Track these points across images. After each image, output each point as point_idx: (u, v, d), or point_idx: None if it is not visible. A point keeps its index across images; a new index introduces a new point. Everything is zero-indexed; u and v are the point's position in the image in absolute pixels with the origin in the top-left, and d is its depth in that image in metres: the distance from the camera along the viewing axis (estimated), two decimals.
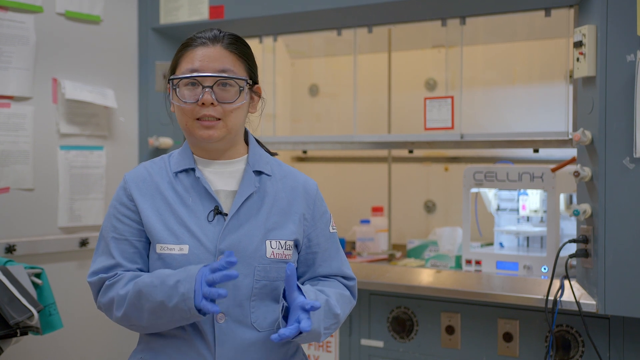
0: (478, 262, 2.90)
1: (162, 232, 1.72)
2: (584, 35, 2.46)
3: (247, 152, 1.84)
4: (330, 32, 3.26)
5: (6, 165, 2.92)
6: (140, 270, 1.76)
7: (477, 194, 3.04)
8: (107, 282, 1.73)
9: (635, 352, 2.50)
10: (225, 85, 1.73)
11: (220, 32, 1.78)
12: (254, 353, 1.72)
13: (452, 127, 2.99)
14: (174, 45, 3.43)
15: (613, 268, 2.42)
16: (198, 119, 1.72)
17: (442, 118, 3.00)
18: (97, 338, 3.22)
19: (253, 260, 1.72)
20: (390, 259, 3.26)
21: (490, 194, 3.02)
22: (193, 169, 1.78)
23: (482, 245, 3.07)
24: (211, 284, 1.59)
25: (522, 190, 2.93)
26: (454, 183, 3.65)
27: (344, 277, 1.88)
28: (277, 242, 1.75)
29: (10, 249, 2.89)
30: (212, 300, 1.60)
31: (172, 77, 1.76)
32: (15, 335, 2.46)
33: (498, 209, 3.04)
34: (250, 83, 1.78)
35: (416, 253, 3.27)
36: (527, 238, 3.01)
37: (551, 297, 2.55)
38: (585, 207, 2.49)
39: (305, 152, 3.97)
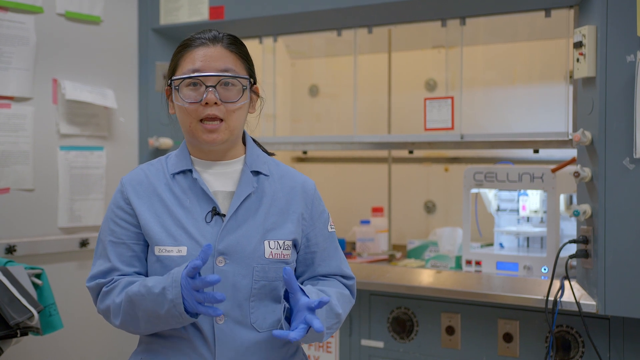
0: (478, 263, 2.90)
1: (160, 234, 1.72)
2: (584, 35, 2.46)
3: (245, 153, 1.84)
4: (331, 33, 3.26)
5: (6, 165, 2.92)
6: (138, 273, 1.76)
7: (477, 194, 3.04)
8: (104, 289, 1.74)
9: (635, 353, 2.50)
10: (227, 84, 1.73)
11: (219, 33, 1.78)
12: (254, 353, 1.72)
13: (452, 128, 2.99)
14: (174, 46, 3.39)
15: (613, 268, 2.42)
16: (201, 121, 1.72)
17: (442, 118, 3.00)
18: (97, 338, 3.22)
19: (251, 261, 1.72)
20: (391, 259, 3.26)
21: (490, 195, 3.02)
22: (190, 171, 1.78)
23: (482, 246, 3.07)
24: (198, 289, 1.58)
25: (522, 191, 2.93)
26: (454, 183, 3.65)
27: (343, 277, 1.88)
28: (276, 242, 1.75)
29: (10, 250, 2.89)
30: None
31: (174, 77, 1.75)
32: (15, 335, 2.46)
33: (498, 209, 3.04)
34: (252, 82, 1.79)
35: (416, 253, 3.27)
36: (527, 238, 3.01)
37: (551, 298, 2.55)
38: (585, 207, 2.48)
39: (305, 152, 3.97)
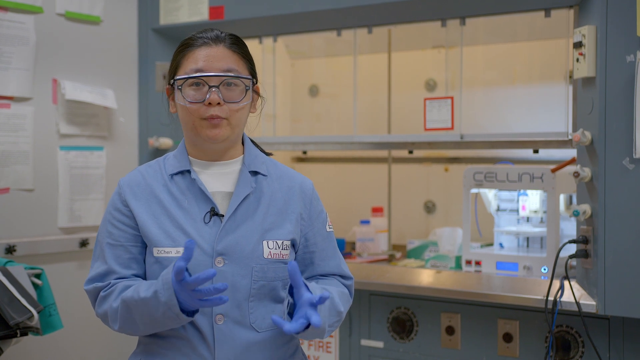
0: (478, 263, 2.90)
1: (159, 235, 1.72)
2: (583, 35, 2.46)
3: (243, 153, 1.84)
4: (330, 33, 3.26)
5: (6, 165, 2.92)
6: (136, 275, 1.76)
7: (477, 194, 3.04)
8: (101, 294, 1.74)
9: (635, 353, 2.50)
10: (230, 85, 1.73)
11: (221, 32, 1.78)
12: (253, 354, 1.72)
13: (452, 128, 2.99)
14: (174, 46, 3.39)
15: (613, 268, 2.42)
16: (205, 119, 1.72)
17: (442, 118, 3.00)
18: (97, 338, 3.22)
19: (250, 261, 1.72)
20: (390, 259, 3.26)
21: (490, 195, 3.02)
22: (189, 171, 1.78)
23: (482, 246, 3.07)
24: (194, 288, 1.57)
25: (522, 191, 2.93)
26: (454, 183, 3.65)
27: (342, 276, 1.88)
28: (274, 243, 1.75)
29: (10, 250, 2.89)
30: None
31: (177, 77, 1.75)
32: (15, 335, 2.46)
33: (498, 209, 3.04)
34: (255, 82, 1.79)
35: (416, 253, 3.27)
36: (527, 238, 3.01)
37: (551, 298, 2.55)
38: (585, 207, 2.49)
39: (305, 152, 3.97)
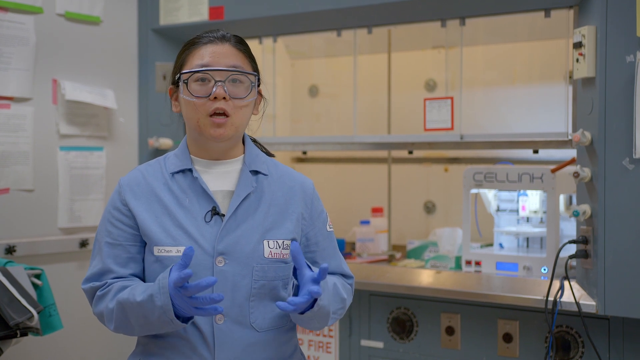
0: (478, 263, 2.90)
1: (159, 234, 1.72)
2: (583, 36, 2.46)
3: (244, 152, 1.84)
4: (330, 33, 3.26)
5: (6, 166, 2.92)
6: (133, 275, 1.76)
7: (476, 194, 3.04)
8: (97, 293, 1.74)
9: (635, 353, 2.50)
10: (236, 81, 1.73)
11: (226, 32, 1.79)
12: (253, 353, 1.73)
13: (452, 128, 2.99)
14: (174, 46, 3.43)
15: (613, 269, 2.42)
16: (210, 116, 1.72)
17: (442, 119, 3.00)
18: (97, 339, 3.22)
19: (251, 261, 1.72)
20: (390, 259, 3.26)
21: (490, 195, 3.02)
22: (190, 170, 1.78)
23: (482, 246, 3.07)
24: (192, 296, 1.58)
25: (521, 191, 2.93)
26: (454, 184, 3.65)
27: (343, 276, 1.89)
28: (275, 242, 1.75)
29: (10, 250, 2.89)
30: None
31: (183, 71, 1.75)
32: (15, 336, 2.46)
33: (498, 209, 3.04)
34: (259, 81, 1.79)
35: (416, 254, 3.27)
36: (527, 239, 3.01)
37: (551, 298, 2.55)
38: (585, 207, 2.49)
39: (305, 152, 3.97)
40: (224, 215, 1.73)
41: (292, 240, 1.79)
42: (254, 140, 1.93)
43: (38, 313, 2.51)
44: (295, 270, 1.70)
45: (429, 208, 3.81)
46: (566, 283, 2.55)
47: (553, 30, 3.04)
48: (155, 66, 3.41)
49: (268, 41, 3.39)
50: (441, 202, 3.77)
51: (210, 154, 1.79)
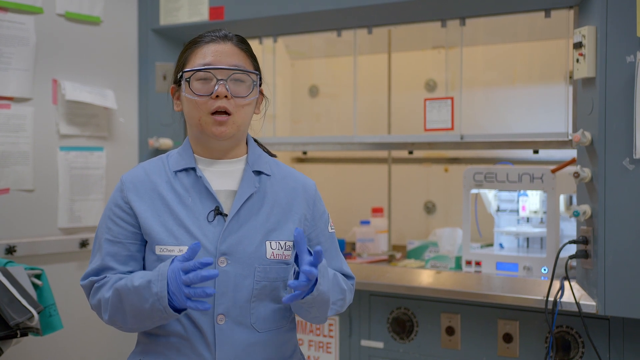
0: (478, 263, 2.90)
1: (161, 233, 1.72)
2: (583, 36, 2.46)
3: (247, 152, 1.84)
4: (330, 33, 3.26)
5: (6, 166, 2.92)
6: (132, 272, 1.76)
7: (477, 194, 3.04)
8: (95, 285, 1.74)
9: (635, 353, 2.50)
10: (237, 79, 1.74)
11: (228, 32, 1.79)
12: (253, 354, 1.73)
13: (452, 128, 2.99)
14: (174, 46, 3.43)
15: (613, 269, 2.42)
16: (212, 114, 1.72)
17: (442, 119, 3.00)
18: (97, 339, 3.22)
19: (253, 261, 1.72)
20: (390, 259, 3.26)
21: (490, 195, 3.02)
22: (193, 169, 1.78)
23: (482, 246, 3.07)
24: (190, 284, 1.58)
25: (522, 191, 2.93)
26: (454, 184, 3.65)
27: (345, 276, 1.89)
28: (277, 243, 1.75)
29: (10, 250, 2.89)
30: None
31: (186, 70, 1.75)
32: (15, 336, 2.46)
33: (498, 209, 3.04)
34: (261, 80, 1.80)
35: (416, 254, 3.27)
36: (527, 239, 3.01)
37: (551, 298, 2.55)
38: (585, 208, 2.49)
39: (305, 153, 3.97)
40: (226, 215, 1.73)
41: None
42: (255, 141, 1.93)
43: (38, 313, 2.51)
44: (297, 257, 1.70)
45: (429, 208, 3.81)
46: (566, 283, 2.55)
47: (553, 31, 3.04)
48: (155, 66, 3.41)
49: (268, 41, 3.39)
50: (441, 202, 3.77)
51: (212, 152, 1.79)
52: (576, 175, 2.48)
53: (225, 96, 1.71)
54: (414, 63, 3.82)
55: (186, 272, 1.57)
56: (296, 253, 1.68)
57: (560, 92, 2.98)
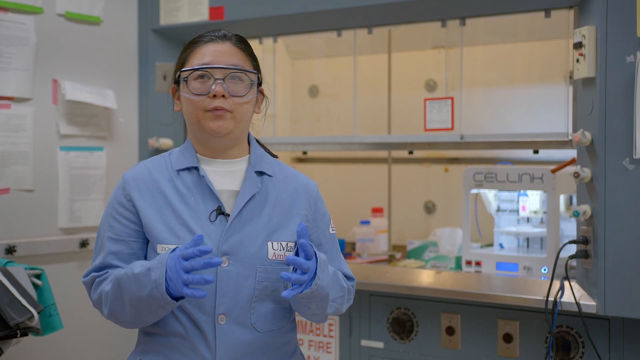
0: (478, 263, 2.90)
1: (163, 232, 1.72)
2: (583, 36, 2.46)
3: (249, 153, 1.84)
4: (330, 33, 3.26)
5: (6, 166, 2.92)
6: None
7: (477, 194, 3.04)
8: (97, 279, 1.74)
9: (635, 353, 2.50)
10: (236, 79, 1.74)
11: (227, 32, 1.80)
12: (254, 354, 1.73)
13: (452, 128, 2.99)
14: (174, 46, 3.43)
15: (613, 269, 2.42)
16: (209, 110, 1.72)
17: (442, 119, 3.00)
18: (97, 339, 3.22)
19: (255, 262, 1.72)
20: (390, 259, 3.26)
21: (490, 195, 3.02)
22: (196, 168, 1.78)
23: (482, 246, 3.07)
24: (189, 271, 1.58)
25: (522, 191, 2.93)
26: (454, 184, 3.65)
27: (345, 277, 1.88)
28: (279, 244, 1.75)
29: (10, 250, 2.89)
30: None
31: (183, 69, 1.75)
32: (15, 336, 2.46)
33: (498, 210, 3.04)
34: (260, 79, 1.79)
35: (416, 254, 3.27)
36: (527, 239, 3.01)
37: (551, 298, 2.55)
38: (585, 208, 2.49)
39: (305, 153, 3.97)
40: (228, 215, 1.73)
41: (296, 242, 1.79)
42: (258, 141, 1.93)
43: (38, 313, 2.51)
44: (297, 252, 1.71)
45: (429, 208, 3.81)
46: (566, 283, 2.55)
47: (553, 31, 3.04)
48: (155, 66, 3.41)
49: (268, 41, 3.40)
50: (441, 202, 3.77)
51: (213, 151, 1.79)
52: (576, 175, 2.48)
53: (223, 95, 1.71)
54: (414, 63, 3.82)
55: (186, 259, 1.58)
56: (297, 249, 1.69)
57: (560, 92, 2.98)
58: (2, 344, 2.46)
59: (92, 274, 1.76)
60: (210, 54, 1.74)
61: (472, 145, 2.98)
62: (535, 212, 2.94)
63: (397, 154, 3.79)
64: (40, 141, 3.04)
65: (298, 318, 2.88)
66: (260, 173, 1.81)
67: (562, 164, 2.73)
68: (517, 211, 2.99)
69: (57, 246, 3.08)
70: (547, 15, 2.80)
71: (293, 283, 1.65)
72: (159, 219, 1.73)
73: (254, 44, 3.35)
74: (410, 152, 3.51)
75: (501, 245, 3.03)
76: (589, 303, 2.48)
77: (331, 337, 3.06)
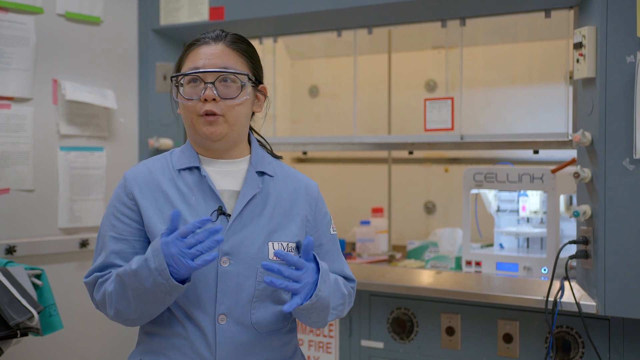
0: (478, 263, 2.90)
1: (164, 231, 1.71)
2: (583, 36, 2.46)
3: (250, 153, 1.84)
4: (331, 33, 3.26)
5: (6, 166, 2.92)
6: None
7: (477, 195, 3.04)
8: (99, 280, 1.74)
9: (635, 353, 2.50)
10: (226, 80, 1.73)
11: (223, 32, 1.79)
12: (254, 354, 1.73)
13: (452, 128, 2.99)
14: (174, 46, 3.43)
15: (613, 269, 2.42)
16: (201, 115, 1.72)
17: (442, 119, 3.00)
18: (97, 339, 3.22)
19: (256, 262, 1.72)
20: (391, 260, 3.26)
21: (490, 195, 3.02)
22: (197, 167, 1.78)
23: (482, 247, 3.07)
24: (193, 246, 1.58)
25: (522, 192, 2.93)
26: (454, 184, 3.65)
27: (346, 279, 1.88)
28: (280, 244, 1.75)
29: (10, 250, 2.89)
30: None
31: (173, 75, 1.77)
32: (15, 336, 2.46)
33: (498, 210, 3.04)
34: (253, 79, 1.78)
35: (416, 254, 3.27)
36: (527, 239, 3.01)
37: (551, 298, 2.55)
38: (585, 208, 2.49)
39: (305, 153, 3.97)
40: (229, 215, 1.73)
41: (297, 242, 1.79)
42: (260, 142, 1.92)
43: (38, 313, 2.51)
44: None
45: (429, 208, 3.81)
46: (566, 283, 2.55)
47: (553, 31, 3.04)
48: (156, 66, 3.41)
49: (268, 41, 3.40)
50: (441, 202, 3.77)
51: (212, 153, 1.80)
52: (576, 175, 2.48)
53: (213, 99, 1.71)
54: (414, 63, 3.82)
55: (184, 236, 1.57)
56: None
57: (560, 92, 2.98)
58: (2, 344, 2.46)
59: (95, 274, 1.75)
60: (202, 57, 1.74)
61: (472, 145, 2.98)
62: (535, 212, 2.94)
63: (397, 154, 3.79)
64: (41, 141, 3.04)
65: None
66: (261, 173, 1.81)
67: (562, 164, 2.73)
68: (517, 211, 2.99)
69: (57, 246, 3.08)
70: (547, 15, 2.80)
71: (293, 294, 1.64)
72: (159, 218, 1.73)
73: (254, 44, 3.36)
74: (410, 153, 3.51)
75: (501, 246, 3.03)
76: (589, 303, 2.48)
77: (331, 337, 3.06)
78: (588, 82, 2.50)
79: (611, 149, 2.41)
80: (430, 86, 3.77)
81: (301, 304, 1.64)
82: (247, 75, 1.76)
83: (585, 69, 2.47)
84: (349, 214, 3.82)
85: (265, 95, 1.85)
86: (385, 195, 3.77)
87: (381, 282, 2.91)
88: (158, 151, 3.37)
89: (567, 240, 2.61)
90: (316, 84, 4.13)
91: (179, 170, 1.78)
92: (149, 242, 1.75)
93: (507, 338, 2.74)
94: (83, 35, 3.20)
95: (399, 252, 3.37)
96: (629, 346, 2.52)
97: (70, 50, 3.15)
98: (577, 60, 2.50)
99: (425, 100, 3.05)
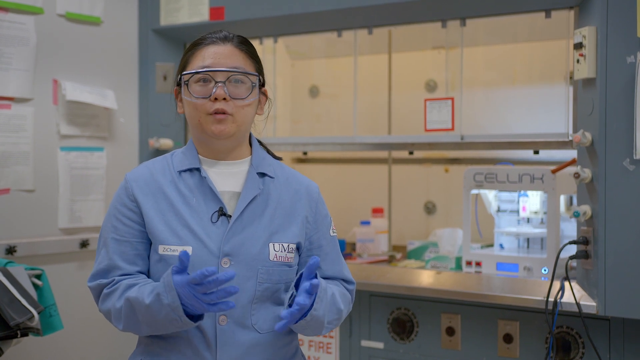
0: (478, 264, 2.90)
1: (165, 232, 1.71)
2: (584, 36, 2.46)
3: (251, 154, 1.84)
4: (331, 34, 3.26)
5: (6, 166, 2.92)
6: (141, 272, 1.75)
7: (477, 195, 3.04)
8: (105, 290, 1.73)
9: (635, 354, 2.50)
10: (237, 81, 1.73)
11: (229, 33, 1.79)
12: (254, 355, 1.73)
13: (452, 129, 2.99)
14: (175, 47, 3.43)
15: (613, 269, 2.42)
16: (210, 114, 1.72)
17: (443, 119, 3.00)
18: (97, 339, 3.22)
19: (256, 263, 1.72)
20: (391, 260, 3.26)
21: (490, 196, 3.02)
22: (198, 169, 1.78)
23: (482, 247, 3.07)
24: (206, 292, 1.57)
25: (522, 192, 2.93)
26: (454, 184, 3.65)
27: (345, 281, 1.88)
28: (280, 245, 1.75)
29: (10, 250, 2.89)
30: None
31: (184, 72, 1.75)
32: (15, 336, 2.46)
33: (498, 210, 3.04)
34: (262, 81, 1.79)
35: (416, 254, 3.27)
36: (527, 239, 3.01)
37: (551, 299, 2.55)
38: (586, 208, 2.49)
39: (305, 153, 3.97)
40: (230, 216, 1.73)
41: (297, 243, 1.79)
42: (260, 143, 1.93)
43: (38, 313, 2.51)
44: (298, 281, 1.70)
45: (429, 208, 3.81)
46: (566, 284, 2.55)
47: (553, 31, 3.04)
48: (156, 66, 3.41)
49: (268, 41, 3.40)
50: (441, 202, 3.77)
51: (215, 153, 1.79)
52: (576, 175, 2.48)
53: (224, 98, 1.71)
54: (414, 63, 3.82)
55: (196, 284, 1.56)
56: (300, 275, 1.68)
57: (560, 93, 2.98)
58: (2, 344, 2.46)
59: (99, 281, 1.75)
60: (212, 56, 1.74)
61: (473, 145, 2.98)
62: (536, 212, 2.94)
63: (397, 154, 3.79)
64: (41, 141, 3.04)
65: None
66: (262, 174, 1.81)
67: (563, 165, 2.73)
68: (518, 212, 2.99)
69: (57, 246, 3.08)
70: (548, 15, 2.80)
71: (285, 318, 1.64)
72: (160, 220, 1.73)
73: (254, 44, 3.36)
74: (411, 153, 3.51)
75: (501, 246, 3.03)
76: (589, 303, 2.48)
77: (331, 337, 3.06)
78: (588, 82, 2.50)
79: (611, 149, 2.41)
80: (431, 86, 3.77)
81: (295, 323, 1.64)
82: (258, 76, 1.76)
83: (585, 69, 2.47)
84: (349, 214, 3.82)
85: (266, 97, 1.85)
86: (386, 195, 3.77)
87: (381, 282, 2.91)
88: (158, 151, 3.37)
89: (567, 241, 2.61)
90: (316, 84, 4.13)
91: (180, 171, 1.78)
92: (150, 244, 1.75)
93: (507, 338, 2.74)
94: (83, 35, 3.20)
95: (399, 253, 3.37)
96: (629, 346, 2.52)
97: (71, 50, 3.15)
98: (577, 61, 2.50)
99: (426, 100, 3.05)
